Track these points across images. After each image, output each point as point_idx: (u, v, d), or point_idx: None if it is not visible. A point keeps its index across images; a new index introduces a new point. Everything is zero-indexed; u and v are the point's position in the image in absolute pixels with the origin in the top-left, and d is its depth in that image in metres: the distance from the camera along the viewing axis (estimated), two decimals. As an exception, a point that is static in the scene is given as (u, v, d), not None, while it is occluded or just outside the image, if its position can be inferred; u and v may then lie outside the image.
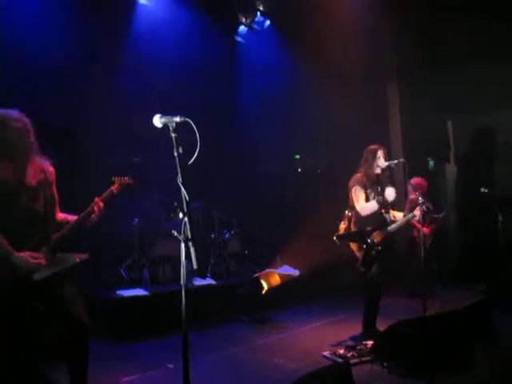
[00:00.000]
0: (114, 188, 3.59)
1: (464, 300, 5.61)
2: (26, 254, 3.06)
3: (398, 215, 5.50)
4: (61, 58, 6.14)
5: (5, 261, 3.00)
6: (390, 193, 5.17)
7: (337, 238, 5.38)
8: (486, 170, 9.16)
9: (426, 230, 7.68)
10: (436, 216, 7.88)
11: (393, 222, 5.46)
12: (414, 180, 7.77)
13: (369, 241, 5.17)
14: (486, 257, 7.70)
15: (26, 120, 3.21)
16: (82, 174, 6.29)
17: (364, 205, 5.17)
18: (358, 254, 5.26)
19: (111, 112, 6.68)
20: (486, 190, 7.60)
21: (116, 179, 3.65)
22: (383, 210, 5.31)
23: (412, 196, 7.75)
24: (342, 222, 5.43)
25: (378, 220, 5.25)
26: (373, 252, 5.18)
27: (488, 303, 5.37)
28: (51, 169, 3.34)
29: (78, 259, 3.31)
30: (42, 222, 3.22)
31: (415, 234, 7.74)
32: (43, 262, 3.11)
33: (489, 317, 5.11)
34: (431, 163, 10.01)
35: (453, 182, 9.98)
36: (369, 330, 5.21)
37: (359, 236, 5.22)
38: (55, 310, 3.23)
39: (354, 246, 5.33)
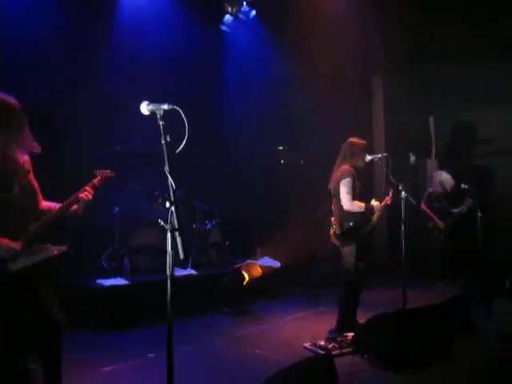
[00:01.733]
0: (96, 181, 3.52)
1: (443, 295, 5.69)
2: (3, 240, 2.98)
3: (376, 204, 5.48)
4: (44, 45, 6.03)
5: None
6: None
7: (340, 236, 5.21)
8: (467, 166, 9.29)
9: (441, 223, 7.92)
10: (453, 211, 8.06)
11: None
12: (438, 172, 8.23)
13: (363, 233, 5.18)
14: (466, 252, 7.81)
15: (15, 102, 3.11)
16: (63, 163, 6.20)
17: (352, 203, 5.09)
18: (347, 249, 5.17)
19: (95, 99, 6.58)
20: (466, 187, 7.72)
21: (98, 172, 3.59)
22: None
23: (431, 189, 8.14)
24: (333, 218, 5.36)
25: (363, 212, 5.24)
26: (365, 244, 5.19)
27: (466, 298, 5.46)
28: (26, 157, 3.25)
29: (55, 251, 3.22)
30: (18, 211, 3.10)
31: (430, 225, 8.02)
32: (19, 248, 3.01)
33: (467, 312, 5.19)
34: (412, 158, 10.12)
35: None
36: (345, 323, 5.20)
37: (356, 230, 5.17)
38: (29, 302, 3.15)
39: (338, 241, 5.26)
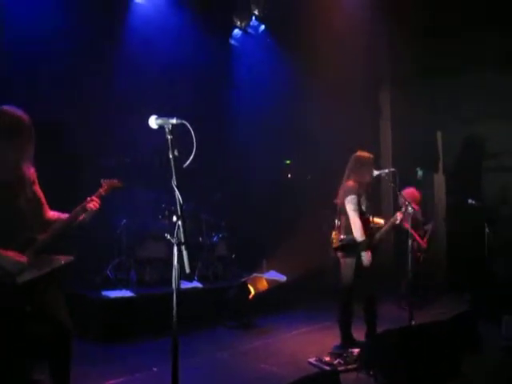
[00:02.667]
0: (102, 190, 3.52)
1: (450, 310, 5.65)
2: (10, 253, 2.99)
3: (380, 221, 5.49)
4: (54, 56, 6.12)
5: None
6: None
7: (341, 247, 5.21)
8: (474, 181, 9.25)
9: (423, 243, 7.71)
10: (425, 228, 7.92)
11: (378, 228, 5.47)
12: (407, 190, 7.80)
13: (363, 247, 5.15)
14: (473, 267, 7.76)
15: (25, 116, 3.14)
16: (72, 174, 6.25)
17: (358, 225, 5.07)
18: (348, 260, 5.16)
19: (103, 111, 6.65)
20: (474, 202, 7.68)
21: (104, 181, 3.59)
22: (370, 218, 5.32)
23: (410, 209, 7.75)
24: (334, 233, 5.34)
25: (366, 228, 5.23)
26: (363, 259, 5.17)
27: (473, 314, 5.42)
28: (32, 168, 3.27)
29: (63, 261, 3.23)
30: (24, 222, 3.12)
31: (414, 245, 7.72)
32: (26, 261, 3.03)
33: (474, 327, 5.14)
34: (420, 173, 10.08)
35: (441, 192, 10.06)
36: (348, 338, 5.20)
37: (356, 242, 5.15)
38: (38, 313, 3.16)
39: (339, 253, 5.27)
